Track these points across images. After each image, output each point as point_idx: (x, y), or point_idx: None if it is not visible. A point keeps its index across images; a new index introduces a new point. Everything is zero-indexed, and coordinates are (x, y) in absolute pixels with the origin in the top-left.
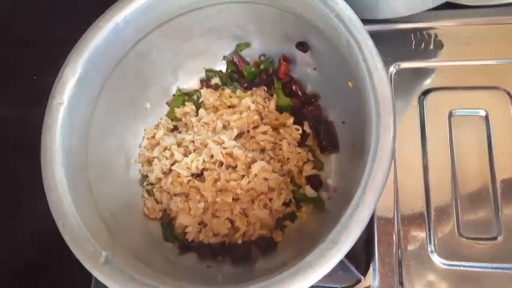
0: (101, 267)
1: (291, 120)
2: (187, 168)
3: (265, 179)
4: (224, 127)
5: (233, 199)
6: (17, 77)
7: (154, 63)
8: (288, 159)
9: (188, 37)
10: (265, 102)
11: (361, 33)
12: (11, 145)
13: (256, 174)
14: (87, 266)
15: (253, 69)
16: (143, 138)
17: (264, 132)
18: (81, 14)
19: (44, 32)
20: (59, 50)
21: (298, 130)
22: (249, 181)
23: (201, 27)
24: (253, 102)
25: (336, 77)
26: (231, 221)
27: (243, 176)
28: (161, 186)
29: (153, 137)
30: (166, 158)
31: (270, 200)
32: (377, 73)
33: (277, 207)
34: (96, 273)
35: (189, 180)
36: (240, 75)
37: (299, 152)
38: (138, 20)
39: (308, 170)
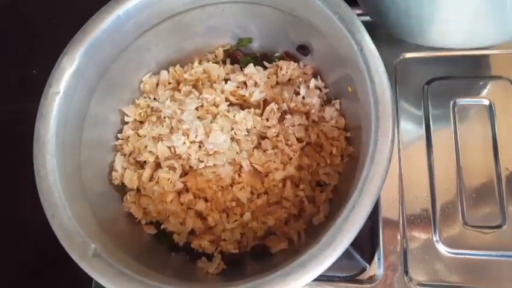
0: (89, 259)
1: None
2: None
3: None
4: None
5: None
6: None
7: (153, 59)
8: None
9: (189, 35)
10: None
11: (363, 36)
12: (10, 138)
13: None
14: (75, 257)
15: (249, 58)
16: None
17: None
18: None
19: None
20: (62, 44)
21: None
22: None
23: (202, 25)
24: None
25: (336, 81)
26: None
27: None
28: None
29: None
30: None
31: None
32: (378, 76)
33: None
34: (83, 266)
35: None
36: None
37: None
38: (139, 14)
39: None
